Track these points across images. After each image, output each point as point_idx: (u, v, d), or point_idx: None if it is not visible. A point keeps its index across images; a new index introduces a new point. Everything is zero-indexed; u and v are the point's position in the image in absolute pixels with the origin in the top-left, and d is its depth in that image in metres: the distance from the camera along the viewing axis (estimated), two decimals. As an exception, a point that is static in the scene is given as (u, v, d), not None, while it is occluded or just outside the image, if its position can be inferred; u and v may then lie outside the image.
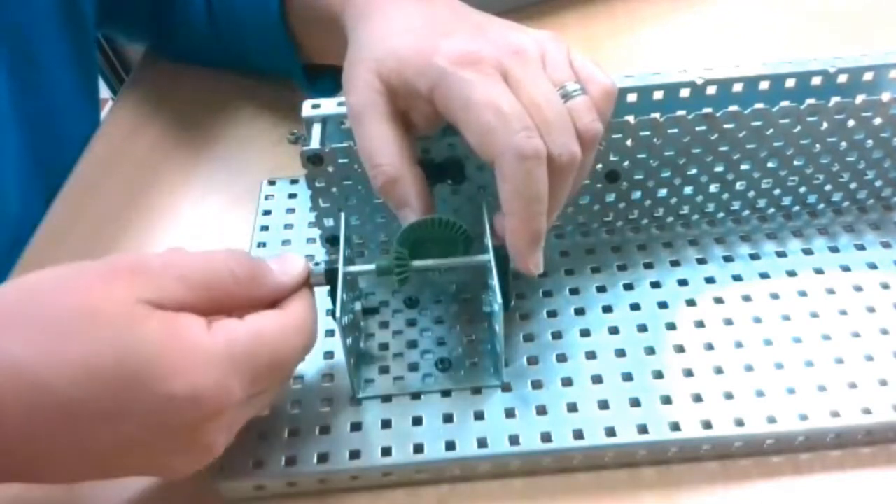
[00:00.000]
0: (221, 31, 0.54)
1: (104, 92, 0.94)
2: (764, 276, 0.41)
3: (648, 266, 0.42)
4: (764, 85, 0.40)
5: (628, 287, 0.41)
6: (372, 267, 0.35)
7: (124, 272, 0.29)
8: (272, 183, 0.48)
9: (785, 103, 0.38)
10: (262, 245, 0.45)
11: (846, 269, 0.41)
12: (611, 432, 0.35)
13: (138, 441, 0.29)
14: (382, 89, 0.35)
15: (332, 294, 0.34)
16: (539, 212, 0.32)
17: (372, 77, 0.35)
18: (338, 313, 0.33)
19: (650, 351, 0.38)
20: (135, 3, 0.57)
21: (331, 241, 0.43)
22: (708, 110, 0.38)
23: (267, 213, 0.47)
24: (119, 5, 0.57)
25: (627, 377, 0.37)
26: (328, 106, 0.40)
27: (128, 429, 0.28)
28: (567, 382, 0.37)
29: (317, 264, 0.35)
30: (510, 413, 0.36)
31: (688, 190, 0.42)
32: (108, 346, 0.27)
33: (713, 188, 0.42)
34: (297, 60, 0.51)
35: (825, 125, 0.39)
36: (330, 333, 0.39)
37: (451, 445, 0.35)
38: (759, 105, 0.38)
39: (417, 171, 0.35)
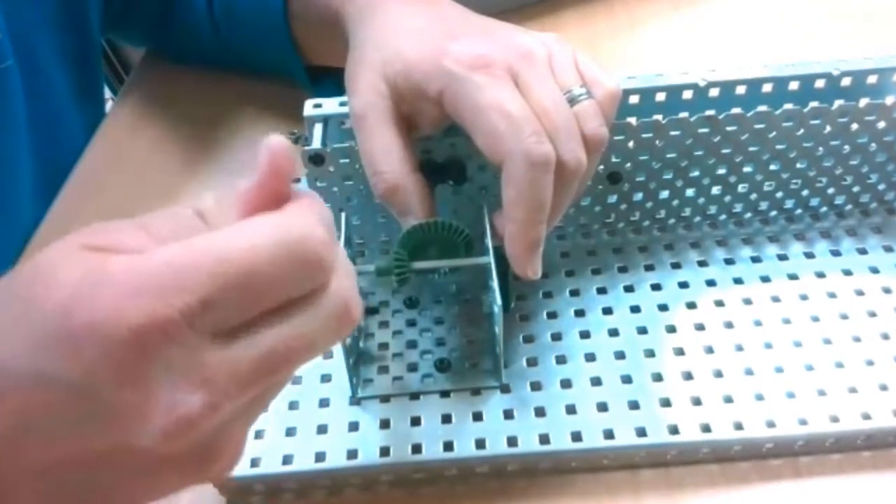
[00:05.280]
0: (223, 33, 0.54)
1: (105, 92, 0.94)
2: (765, 279, 0.41)
3: (649, 268, 0.42)
4: (767, 87, 0.40)
5: (629, 289, 0.41)
6: (371, 267, 0.35)
7: (85, 229, 0.23)
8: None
9: (788, 106, 0.38)
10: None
11: (848, 272, 0.41)
12: (609, 435, 0.35)
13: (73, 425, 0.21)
14: (387, 92, 0.35)
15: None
16: (540, 220, 0.33)
17: (376, 79, 0.35)
18: (337, 313, 0.33)
19: (650, 353, 0.38)
20: (142, 10, 0.57)
21: (331, 240, 0.43)
22: (710, 112, 0.38)
23: (268, 211, 0.47)
24: (126, 13, 0.58)
25: (627, 379, 0.37)
26: (329, 106, 0.40)
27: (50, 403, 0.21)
28: (566, 384, 0.37)
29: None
30: (509, 414, 0.36)
31: (689, 192, 0.42)
32: (20, 297, 0.21)
33: (715, 190, 0.42)
34: (299, 61, 0.51)
35: (828, 128, 0.39)
36: (329, 333, 0.40)
37: (449, 446, 0.35)
38: (762, 107, 0.38)
39: (419, 178, 0.35)
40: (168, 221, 0.23)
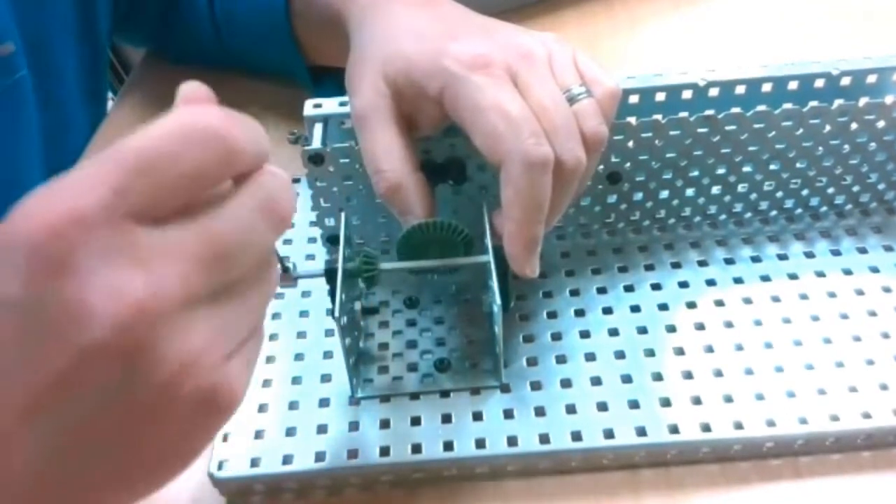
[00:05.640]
0: (224, 33, 0.54)
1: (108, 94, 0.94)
2: (765, 278, 0.41)
3: (649, 268, 0.42)
4: (766, 87, 0.40)
5: (629, 289, 0.41)
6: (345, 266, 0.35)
7: None
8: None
9: (787, 105, 0.38)
10: (262, 244, 0.45)
11: (848, 272, 0.41)
12: (609, 434, 0.35)
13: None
14: (388, 92, 0.35)
15: (332, 293, 0.34)
16: (539, 219, 0.33)
17: (377, 79, 0.35)
18: (336, 312, 0.33)
19: (650, 353, 0.38)
20: (145, 12, 0.57)
21: (332, 240, 0.43)
22: (710, 112, 0.38)
23: (268, 211, 0.47)
24: (130, 15, 0.58)
25: (627, 379, 0.37)
26: (329, 105, 0.40)
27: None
28: (566, 384, 0.37)
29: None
30: (509, 414, 0.36)
31: (689, 192, 0.42)
32: None
33: (715, 190, 0.42)
34: (302, 61, 0.51)
35: (828, 128, 0.39)
36: (329, 333, 0.40)
37: (449, 446, 0.35)
38: (762, 107, 0.38)
39: (420, 177, 0.35)
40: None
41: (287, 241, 0.45)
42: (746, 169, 0.41)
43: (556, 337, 0.39)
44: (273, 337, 0.40)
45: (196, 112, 0.23)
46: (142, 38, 0.63)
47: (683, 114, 0.38)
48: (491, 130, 0.32)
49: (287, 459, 0.35)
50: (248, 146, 0.23)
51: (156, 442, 0.22)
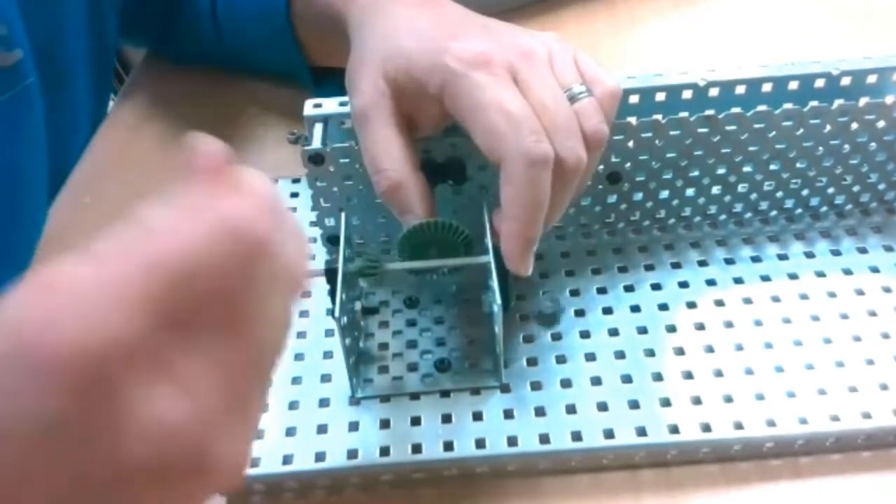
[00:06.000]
0: (226, 33, 0.54)
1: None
2: (765, 278, 0.41)
3: (649, 268, 0.42)
4: (767, 87, 0.40)
5: (629, 289, 0.41)
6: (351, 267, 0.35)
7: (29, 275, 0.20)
8: (273, 181, 0.48)
9: (788, 105, 0.38)
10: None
11: (848, 272, 0.41)
12: (609, 434, 0.35)
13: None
14: (388, 91, 0.35)
15: (332, 293, 0.34)
16: (538, 218, 0.33)
17: (378, 78, 0.35)
18: (337, 313, 0.33)
19: (650, 353, 0.38)
20: (147, 13, 0.57)
21: (332, 240, 0.43)
22: (710, 112, 0.38)
23: (268, 211, 0.47)
24: (133, 16, 0.57)
25: (627, 379, 0.37)
26: (330, 105, 0.40)
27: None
28: (566, 384, 0.37)
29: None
30: (509, 414, 0.36)
31: (689, 192, 0.42)
32: None
33: (715, 190, 0.42)
34: (303, 61, 0.51)
35: (828, 128, 0.39)
36: (329, 333, 0.40)
37: (449, 446, 0.35)
38: (762, 107, 0.38)
39: (420, 176, 0.35)
40: (114, 243, 0.21)
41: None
42: (746, 169, 0.41)
43: (556, 337, 0.39)
44: (273, 337, 0.40)
45: (240, 212, 0.21)
46: (144, 38, 0.63)
47: (683, 114, 0.38)
48: (491, 128, 0.32)
49: (287, 459, 0.35)
50: (288, 249, 0.22)
51: None
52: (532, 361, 0.38)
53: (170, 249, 0.20)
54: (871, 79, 0.40)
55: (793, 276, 0.41)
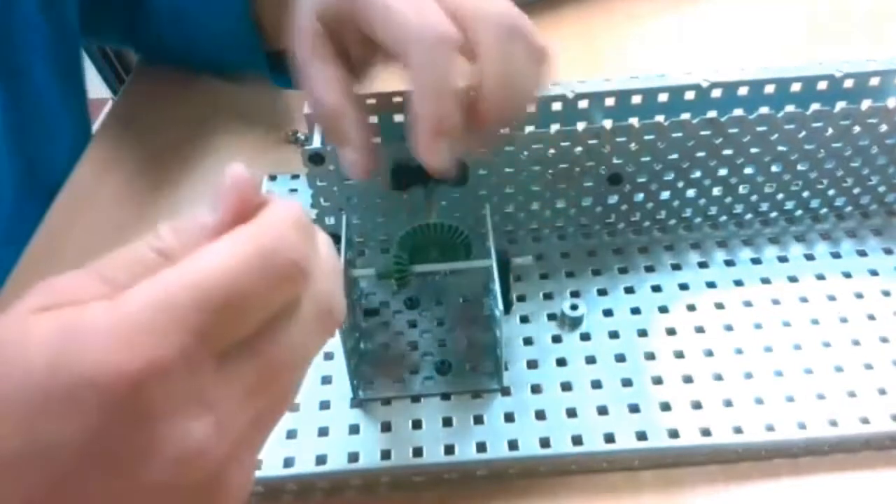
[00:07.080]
0: (184, 26, 0.54)
1: (104, 92, 0.93)
2: (765, 280, 0.41)
3: (650, 269, 0.42)
4: (769, 88, 0.40)
5: (629, 290, 0.41)
6: (372, 271, 0.35)
7: (28, 293, 0.21)
8: (273, 178, 0.48)
9: (790, 108, 0.38)
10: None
11: (847, 275, 0.41)
12: (609, 438, 0.35)
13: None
14: (321, 30, 0.35)
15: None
16: (447, 104, 0.31)
17: (312, 21, 0.35)
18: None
19: (650, 356, 0.38)
20: (109, 7, 0.57)
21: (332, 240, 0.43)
22: (713, 114, 0.38)
23: (267, 209, 0.46)
24: (97, 10, 0.57)
25: (627, 383, 0.37)
26: (330, 105, 0.39)
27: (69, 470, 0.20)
28: (566, 387, 0.37)
29: None
30: (509, 417, 0.36)
31: (690, 193, 0.42)
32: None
33: (716, 192, 0.42)
34: (259, 46, 0.51)
35: (830, 131, 0.39)
36: (329, 334, 0.39)
37: (450, 449, 0.35)
38: (765, 110, 0.38)
39: (358, 109, 0.35)
40: (124, 264, 0.22)
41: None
42: (748, 171, 0.41)
43: (557, 339, 0.39)
44: (273, 338, 0.40)
45: (276, 237, 0.21)
46: (115, 36, 0.62)
47: (686, 116, 0.38)
48: (396, 20, 0.32)
49: (288, 462, 0.35)
50: (323, 272, 0.23)
51: None
52: (532, 364, 0.38)
53: (210, 277, 0.20)
54: (874, 81, 0.40)
55: (792, 279, 0.41)
